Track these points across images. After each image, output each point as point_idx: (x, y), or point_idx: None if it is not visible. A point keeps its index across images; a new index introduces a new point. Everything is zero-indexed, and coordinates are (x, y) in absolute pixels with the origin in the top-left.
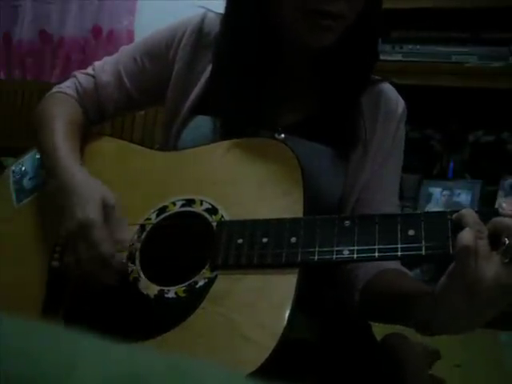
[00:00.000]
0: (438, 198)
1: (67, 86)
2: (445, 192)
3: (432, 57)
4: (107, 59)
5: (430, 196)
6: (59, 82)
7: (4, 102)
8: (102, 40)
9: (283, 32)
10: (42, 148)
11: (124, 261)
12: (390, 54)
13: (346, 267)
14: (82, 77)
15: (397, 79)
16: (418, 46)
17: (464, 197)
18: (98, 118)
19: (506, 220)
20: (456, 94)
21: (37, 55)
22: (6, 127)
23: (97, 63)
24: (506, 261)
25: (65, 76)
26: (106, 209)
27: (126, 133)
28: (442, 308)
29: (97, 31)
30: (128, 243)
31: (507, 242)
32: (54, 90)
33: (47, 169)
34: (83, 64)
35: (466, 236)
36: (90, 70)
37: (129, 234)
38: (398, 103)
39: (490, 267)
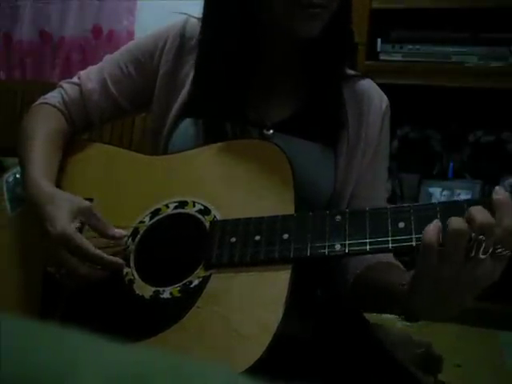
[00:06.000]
0: (438, 197)
1: (53, 96)
2: (445, 192)
3: (432, 57)
4: (92, 68)
5: (430, 196)
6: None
7: (4, 102)
8: (101, 40)
9: (266, 28)
10: (20, 164)
11: (119, 260)
12: (389, 54)
13: (339, 262)
14: (67, 86)
15: (397, 79)
16: (418, 46)
17: (464, 197)
18: (86, 126)
19: (479, 216)
20: (456, 94)
21: (37, 55)
22: (6, 127)
23: (82, 72)
24: (472, 255)
25: (65, 76)
26: (82, 215)
27: (125, 135)
28: (413, 297)
29: (97, 31)
30: (121, 237)
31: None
32: (40, 101)
33: (23, 183)
34: (83, 64)
35: (430, 232)
36: (75, 78)
37: (120, 231)
38: (381, 99)
39: (452, 266)
